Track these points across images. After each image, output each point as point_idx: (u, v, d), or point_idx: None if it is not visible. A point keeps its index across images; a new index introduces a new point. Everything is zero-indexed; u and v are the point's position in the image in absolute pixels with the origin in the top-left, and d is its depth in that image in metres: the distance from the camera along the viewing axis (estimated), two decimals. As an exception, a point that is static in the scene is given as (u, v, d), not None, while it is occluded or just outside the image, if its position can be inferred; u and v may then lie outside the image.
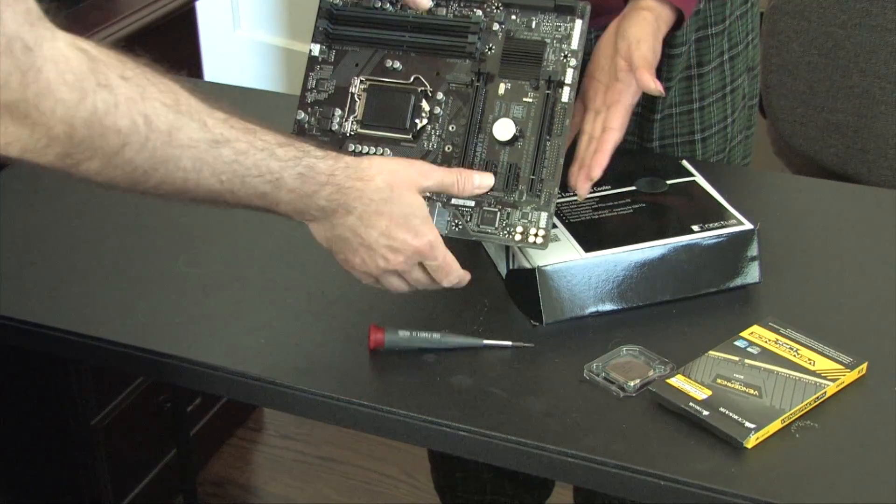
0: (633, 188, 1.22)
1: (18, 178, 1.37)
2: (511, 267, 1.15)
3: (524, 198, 1.08)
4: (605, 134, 1.16)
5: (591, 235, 1.14)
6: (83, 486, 1.79)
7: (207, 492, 2.10)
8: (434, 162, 1.10)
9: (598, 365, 1.05)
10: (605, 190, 1.22)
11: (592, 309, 1.12)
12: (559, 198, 1.13)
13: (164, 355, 1.10)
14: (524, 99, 1.09)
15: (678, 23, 1.23)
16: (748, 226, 1.15)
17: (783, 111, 1.92)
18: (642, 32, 1.18)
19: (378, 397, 1.04)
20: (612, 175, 1.25)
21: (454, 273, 1.05)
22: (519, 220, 1.08)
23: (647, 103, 1.40)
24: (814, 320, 1.11)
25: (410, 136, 1.12)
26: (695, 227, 1.15)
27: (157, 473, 1.94)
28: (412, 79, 1.11)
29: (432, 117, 1.11)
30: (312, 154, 0.95)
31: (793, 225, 1.29)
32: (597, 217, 1.17)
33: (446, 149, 1.10)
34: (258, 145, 0.91)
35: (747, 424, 0.97)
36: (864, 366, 1.04)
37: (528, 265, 1.11)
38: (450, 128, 1.10)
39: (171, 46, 1.93)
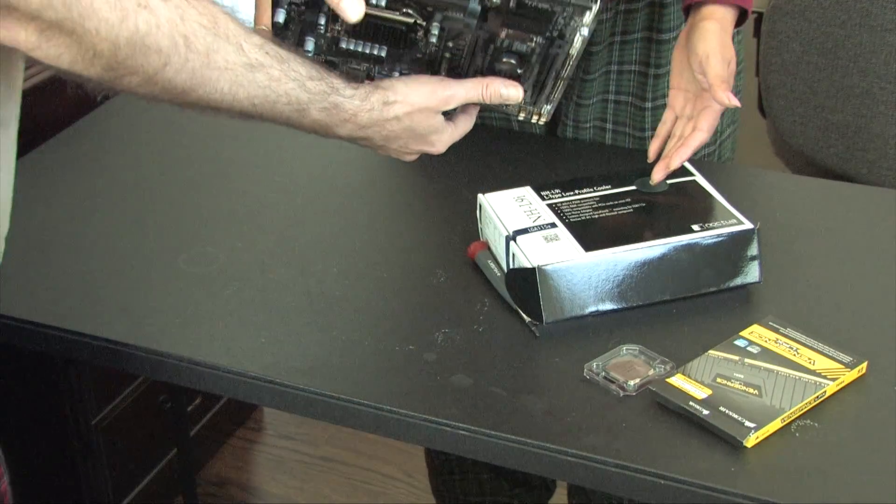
0: (634, 188, 1.22)
1: (17, 178, 1.37)
2: (511, 266, 1.15)
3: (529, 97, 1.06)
4: (693, 133, 1.24)
5: (592, 235, 1.14)
6: (83, 486, 1.79)
7: (207, 492, 2.11)
8: (438, 65, 1.04)
9: (599, 364, 1.06)
10: (606, 190, 1.22)
11: (592, 308, 1.12)
12: (560, 197, 1.13)
13: (164, 355, 1.10)
14: (527, 44, 1.00)
15: (742, 17, 1.25)
16: (748, 225, 1.15)
17: (783, 111, 1.92)
18: (709, 47, 1.23)
19: (378, 397, 1.04)
20: (612, 175, 1.25)
21: (468, 129, 1.08)
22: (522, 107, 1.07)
23: (638, 92, 1.40)
24: (814, 320, 1.11)
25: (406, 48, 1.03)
26: (695, 227, 1.15)
27: (157, 473, 1.94)
28: (401, 11, 1.00)
29: (427, 41, 1.02)
30: (341, 92, 0.96)
31: (793, 225, 1.29)
32: (597, 217, 1.17)
33: (446, 55, 1.03)
34: (291, 75, 0.93)
35: (747, 423, 0.97)
36: (864, 365, 1.04)
37: (528, 265, 1.11)
38: (448, 44, 1.02)
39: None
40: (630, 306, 1.13)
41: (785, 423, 0.99)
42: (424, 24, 0.99)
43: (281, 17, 1.00)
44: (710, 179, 1.25)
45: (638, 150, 1.43)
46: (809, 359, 1.04)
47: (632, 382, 1.03)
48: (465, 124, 1.07)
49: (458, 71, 1.04)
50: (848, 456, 0.98)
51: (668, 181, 1.23)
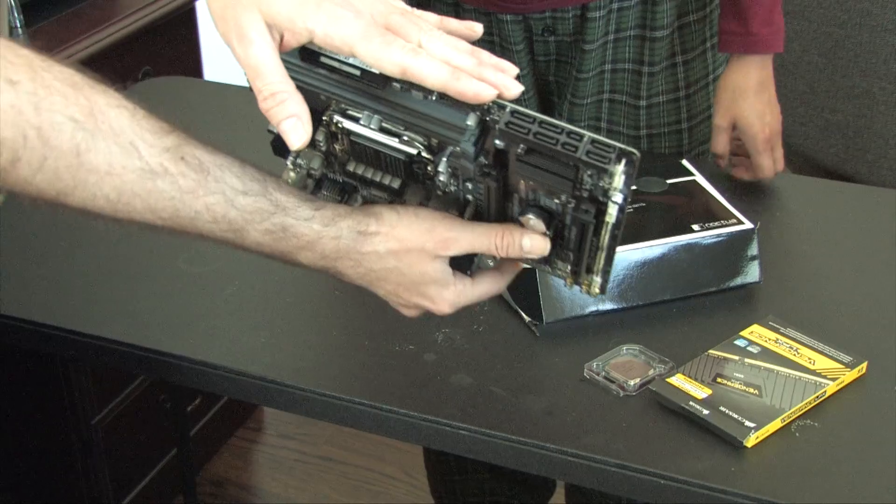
0: (634, 187, 1.22)
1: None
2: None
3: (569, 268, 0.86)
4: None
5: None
6: (83, 486, 1.78)
7: (207, 492, 2.10)
8: (450, 202, 0.85)
9: (599, 364, 1.05)
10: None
11: (592, 308, 1.12)
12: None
13: (164, 354, 1.10)
14: (555, 200, 0.80)
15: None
16: (748, 225, 1.15)
17: (783, 111, 1.91)
18: (745, 110, 1.31)
19: (378, 397, 1.04)
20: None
21: (490, 294, 0.89)
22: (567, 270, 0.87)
23: (632, 91, 1.40)
24: (814, 320, 1.11)
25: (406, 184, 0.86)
26: (695, 227, 1.15)
27: (157, 473, 1.94)
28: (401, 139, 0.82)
29: (437, 179, 0.83)
30: (292, 213, 0.79)
31: (793, 225, 1.29)
32: (597, 216, 1.17)
33: (468, 197, 0.84)
34: (212, 187, 0.76)
35: (747, 423, 0.97)
36: (864, 365, 1.04)
37: (527, 264, 1.11)
38: (467, 184, 0.82)
39: (171, 46, 1.93)
40: (630, 306, 1.13)
41: (785, 423, 0.99)
42: (430, 157, 0.81)
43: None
44: (710, 179, 1.25)
45: (639, 149, 1.43)
46: (809, 359, 1.04)
47: (632, 382, 1.03)
48: (487, 286, 0.86)
49: (483, 219, 0.84)
50: (848, 456, 0.98)
51: (668, 181, 1.23)
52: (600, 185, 0.75)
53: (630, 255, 1.12)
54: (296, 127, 0.75)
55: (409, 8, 0.79)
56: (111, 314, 1.16)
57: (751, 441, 0.97)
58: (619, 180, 0.74)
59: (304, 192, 0.82)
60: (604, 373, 1.05)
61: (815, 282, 1.19)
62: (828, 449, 0.98)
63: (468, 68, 0.74)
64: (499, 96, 0.75)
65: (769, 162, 1.30)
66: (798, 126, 1.91)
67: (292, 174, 0.87)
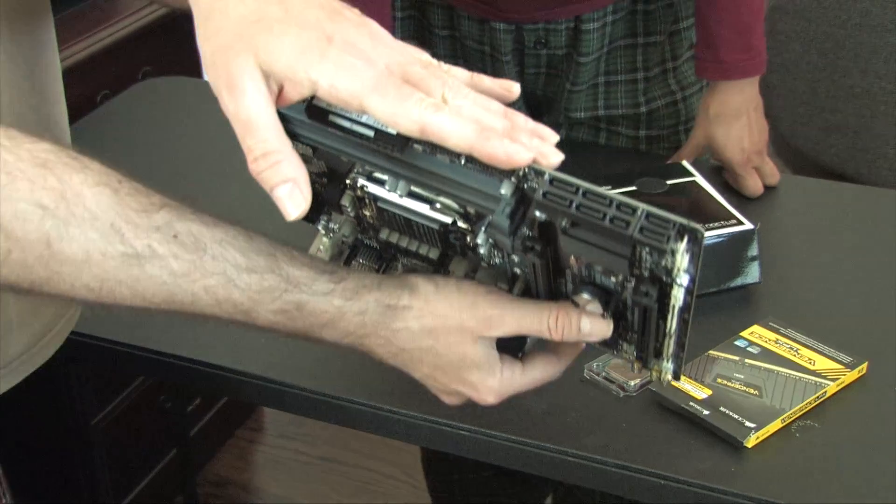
0: (634, 188, 1.22)
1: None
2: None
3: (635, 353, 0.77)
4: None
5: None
6: (83, 486, 1.78)
7: (207, 492, 2.10)
8: (499, 275, 0.74)
9: (599, 364, 1.05)
10: (606, 190, 1.21)
11: (592, 309, 1.12)
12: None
13: (164, 355, 1.10)
14: (612, 279, 0.69)
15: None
16: (748, 226, 1.15)
17: (783, 111, 1.91)
18: (719, 135, 1.31)
19: (378, 397, 1.04)
20: (612, 176, 1.25)
21: (544, 382, 0.78)
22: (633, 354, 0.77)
23: (629, 102, 1.41)
24: (814, 320, 1.11)
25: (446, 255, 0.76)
26: (695, 227, 1.15)
27: (157, 473, 1.94)
28: (433, 205, 0.72)
29: (477, 252, 0.73)
30: (306, 288, 0.69)
31: (793, 225, 1.29)
32: (597, 217, 1.17)
33: (515, 270, 0.73)
34: (210, 267, 0.67)
35: (747, 424, 0.97)
36: (865, 365, 1.04)
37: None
38: (513, 257, 0.72)
39: (171, 46, 1.93)
40: (630, 306, 1.13)
41: (785, 424, 0.99)
42: (468, 227, 0.70)
43: None
44: (710, 180, 1.25)
45: (638, 151, 1.44)
46: (810, 359, 1.04)
47: (632, 382, 1.03)
48: (541, 372, 0.76)
49: (533, 296, 0.74)
50: (848, 456, 0.98)
51: (668, 181, 1.23)
52: (662, 263, 0.64)
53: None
54: (292, 194, 0.64)
55: (434, 61, 0.68)
56: (111, 314, 1.15)
57: (751, 441, 0.97)
58: (682, 260, 0.63)
59: (324, 263, 0.72)
60: (604, 373, 1.05)
61: (815, 282, 1.19)
62: (828, 449, 0.98)
63: (500, 130, 0.64)
64: (535, 163, 0.64)
65: (752, 182, 1.30)
66: (798, 126, 1.91)
67: (325, 240, 0.78)
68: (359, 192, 0.72)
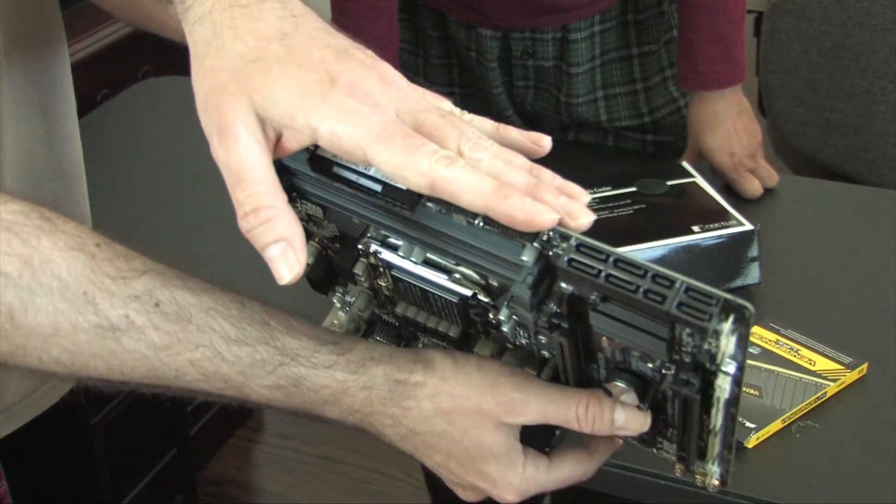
0: (634, 189, 1.22)
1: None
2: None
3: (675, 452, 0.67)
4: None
5: (592, 236, 1.14)
6: (83, 486, 1.78)
7: (207, 492, 2.10)
8: (526, 358, 0.66)
9: (599, 365, 1.05)
10: (606, 191, 1.22)
11: (593, 309, 1.12)
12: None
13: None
14: (649, 364, 0.60)
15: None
16: (748, 226, 1.15)
17: (783, 111, 1.91)
18: (706, 142, 1.33)
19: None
20: (613, 176, 1.25)
21: (573, 481, 0.69)
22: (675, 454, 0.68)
23: (632, 113, 1.41)
24: (814, 320, 1.11)
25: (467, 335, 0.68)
26: (695, 228, 1.15)
27: (157, 473, 1.94)
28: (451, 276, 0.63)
29: (500, 330, 0.64)
30: (304, 360, 0.62)
31: (793, 225, 1.29)
32: (597, 218, 1.17)
33: (542, 353, 0.65)
34: (195, 339, 0.61)
35: (748, 424, 0.97)
36: (865, 366, 1.04)
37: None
38: (540, 338, 0.63)
39: (171, 46, 1.93)
40: (630, 307, 1.13)
41: (785, 424, 0.99)
42: (490, 301, 0.62)
43: (309, 256, 0.66)
44: (710, 180, 1.25)
45: (639, 151, 1.44)
46: (810, 360, 1.04)
47: (632, 383, 1.03)
48: (569, 470, 0.67)
49: (560, 381, 0.65)
50: (848, 457, 0.98)
51: (668, 182, 1.23)
52: (705, 347, 0.55)
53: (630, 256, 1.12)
54: (285, 254, 0.57)
55: (456, 110, 0.60)
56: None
57: (751, 442, 0.97)
58: (728, 344, 0.54)
59: (327, 332, 0.65)
60: (604, 374, 1.05)
61: (815, 282, 1.19)
62: (828, 450, 0.98)
63: (522, 187, 0.56)
64: (561, 225, 0.56)
65: (748, 185, 1.31)
66: (798, 126, 1.91)
67: (340, 314, 0.71)
68: (372, 259, 0.64)
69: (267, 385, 0.62)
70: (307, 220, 0.65)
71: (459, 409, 0.62)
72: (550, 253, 0.56)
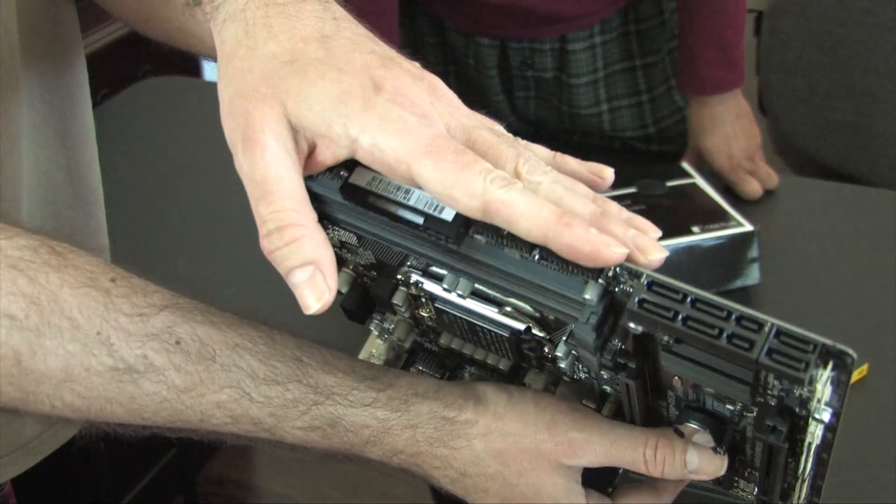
0: (633, 190, 1.22)
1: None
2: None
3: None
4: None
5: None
6: (83, 487, 1.79)
7: (207, 491, 2.10)
8: (584, 391, 0.60)
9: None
10: (606, 192, 1.21)
11: (592, 310, 1.12)
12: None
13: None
14: (728, 406, 0.54)
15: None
16: (748, 227, 1.15)
17: (783, 110, 1.91)
18: (704, 145, 1.33)
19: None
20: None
21: None
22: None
23: (637, 124, 1.41)
24: (814, 321, 1.11)
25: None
26: (695, 229, 1.15)
27: (157, 473, 1.94)
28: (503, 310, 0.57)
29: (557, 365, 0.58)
30: (342, 398, 0.57)
31: (793, 226, 1.29)
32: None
33: (605, 388, 0.59)
34: (220, 380, 0.55)
35: (747, 426, 0.97)
36: (865, 367, 1.04)
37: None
38: (602, 374, 0.57)
39: (171, 46, 1.93)
40: (630, 308, 1.13)
41: (785, 426, 0.99)
42: (545, 335, 0.56)
43: (343, 284, 0.63)
44: (710, 181, 1.25)
45: (639, 152, 1.44)
46: (810, 360, 1.04)
47: (632, 384, 1.03)
48: None
49: (625, 418, 0.60)
50: (848, 458, 0.97)
51: (668, 183, 1.23)
52: (795, 392, 0.49)
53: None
54: (313, 280, 0.52)
55: (509, 134, 0.54)
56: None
57: (751, 443, 0.97)
58: (824, 391, 0.48)
59: (367, 367, 0.59)
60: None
61: (815, 283, 1.19)
62: (828, 451, 0.98)
63: (586, 216, 0.50)
64: (630, 260, 0.50)
65: (747, 186, 1.31)
66: (798, 125, 1.91)
67: (379, 342, 0.67)
68: (413, 290, 0.59)
69: (301, 426, 0.57)
70: (340, 247, 0.60)
71: (514, 448, 0.57)
72: (617, 290, 0.51)
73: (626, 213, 0.53)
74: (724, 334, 0.48)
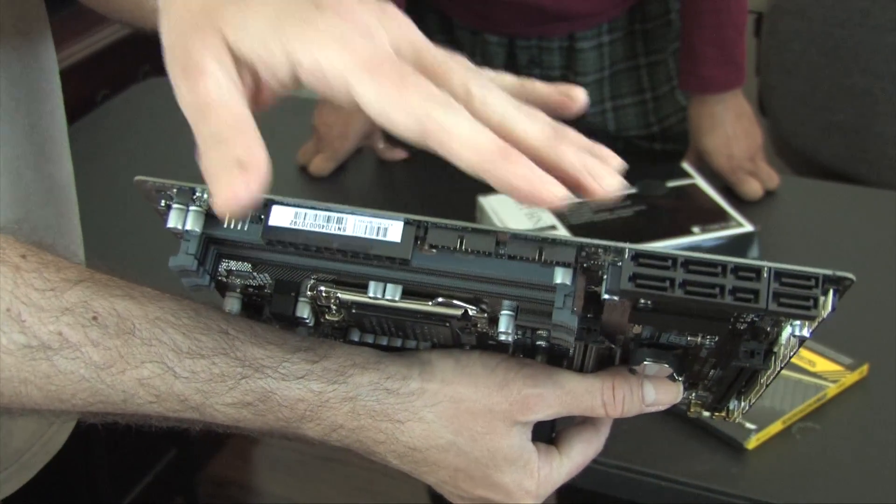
0: (634, 190, 1.22)
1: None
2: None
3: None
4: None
5: (593, 237, 1.14)
6: (83, 486, 1.79)
7: (207, 492, 2.10)
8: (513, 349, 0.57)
9: (599, 366, 1.05)
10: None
11: (593, 310, 1.12)
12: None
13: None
14: (689, 337, 0.53)
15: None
16: (748, 227, 1.15)
17: (783, 111, 1.91)
18: (704, 144, 1.33)
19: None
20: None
21: (586, 464, 0.62)
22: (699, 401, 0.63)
23: (640, 122, 1.41)
24: (814, 321, 1.11)
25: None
26: (695, 229, 1.15)
27: (157, 473, 1.94)
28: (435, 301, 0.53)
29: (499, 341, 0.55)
30: (272, 370, 0.53)
31: (793, 226, 1.29)
32: (598, 219, 1.17)
33: (540, 343, 0.56)
34: (140, 354, 0.51)
35: (748, 425, 0.97)
36: (865, 367, 1.04)
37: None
38: (539, 332, 0.54)
39: (171, 46, 1.93)
40: (630, 308, 1.13)
41: (786, 426, 0.99)
42: (482, 314, 0.52)
43: (234, 307, 0.57)
44: (711, 182, 1.25)
45: (643, 150, 1.44)
46: (810, 361, 1.04)
47: (632, 384, 1.03)
48: (581, 454, 0.60)
49: (568, 367, 0.58)
50: (848, 458, 0.98)
51: (669, 183, 1.23)
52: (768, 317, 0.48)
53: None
54: (230, 176, 0.48)
55: (472, 65, 0.49)
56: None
57: (751, 443, 0.97)
58: (825, 312, 0.47)
59: (300, 338, 0.55)
60: (604, 375, 1.04)
61: (815, 283, 1.19)
62: (828, 451, 0.98)
63: (535, 142, 0.46)
64: (588, 194, 0.47)
65: (747, 187, 1.31)
66: (798, 126, 1.91)
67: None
68: (322, 301, 0.54)
69: (231, 402, 0.52)
70: (226, 276, 0.55)
71: (466, 414, 0.54)
72: (587, 265, 0.48)
73: (584, 140, 0.48)
74: (726, 290, 0.46)
